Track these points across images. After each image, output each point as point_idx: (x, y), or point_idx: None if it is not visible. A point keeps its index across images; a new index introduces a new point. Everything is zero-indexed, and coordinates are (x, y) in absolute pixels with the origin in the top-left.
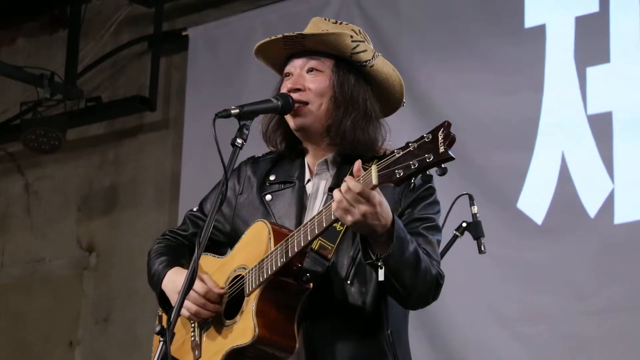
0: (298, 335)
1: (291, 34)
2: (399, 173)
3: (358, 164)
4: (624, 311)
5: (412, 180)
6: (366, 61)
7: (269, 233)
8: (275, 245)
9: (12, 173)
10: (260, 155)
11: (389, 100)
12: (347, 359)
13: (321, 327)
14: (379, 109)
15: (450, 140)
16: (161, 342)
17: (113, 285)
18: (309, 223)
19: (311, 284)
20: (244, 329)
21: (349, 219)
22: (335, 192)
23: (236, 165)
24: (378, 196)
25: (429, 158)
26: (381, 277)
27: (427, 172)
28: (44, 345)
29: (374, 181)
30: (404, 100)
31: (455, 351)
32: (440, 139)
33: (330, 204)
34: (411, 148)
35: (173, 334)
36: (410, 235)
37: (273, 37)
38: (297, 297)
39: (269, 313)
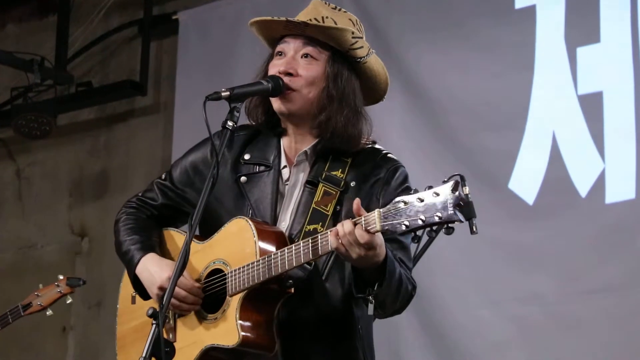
0: (277, 336)
1: (295, 20)
2: (405, 225)
3: (357, 203)
4: (616, 291)
5: (418, 234)
6: (361, 58)
7: (254, 235)
8: (261, 251)
9: (3, 159)
10: (235, 129)
11: (371, 94)
12: (321, 357)
13: (297, 327)
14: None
15: (460, 202)
16: (154, 325)
17: (105, 270)
18: (302, 245)
19: (292, 289)
20: (227, 330)
21: (347, 256)
22: (339, 228)
23: (217, 141)
24: (378, 240)
25: (438, 216)
26: (371, 312)
27: (434, 228)
28: (36, 332)
29: (377, 228)
30: (385, 98)
31: (447, 332)
32: (450, 197)
33: (327, 232)
34: (418, 199)
35: (165, 317)
36: (396, 261)
37: (275, 18)
38: (277, 299)
39: (251, 316)
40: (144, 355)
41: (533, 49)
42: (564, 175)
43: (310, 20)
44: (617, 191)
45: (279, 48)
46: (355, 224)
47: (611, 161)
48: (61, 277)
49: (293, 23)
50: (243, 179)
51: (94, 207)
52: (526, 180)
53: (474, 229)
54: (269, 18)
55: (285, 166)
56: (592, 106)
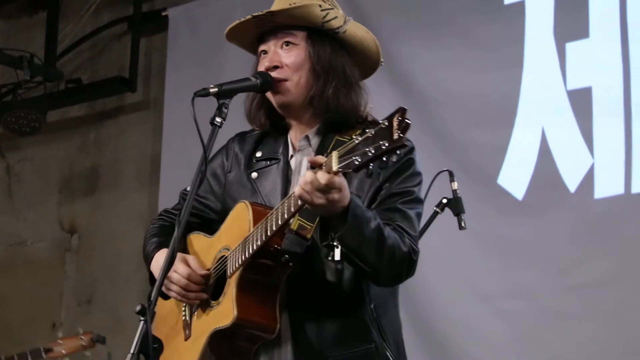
0: (282, 315)
1: (260, 13)
2: (357, 160)
3: (311, 159)
4: (605, 286)
5: (370, 167)
6: (338, 28)
7: (249, 214)
8: (254, 227)
9: None
10: (248, 131)
11: (365, 62)
12: (331, 336)
13: (304, 306)
14: (358, 72)
15: (404, 127)
16: (142, 322)
17: (95, 266)
18: (279, 207)
19: (291, 264)
20: (225, 311)
21: (312, 203)
22: (301, 179)
23: (223, 142)
24: (339, 180)
25: (384, 145)
26: (337, 257)
27: (384, 159)
28: (26, 328)
29: (334, 168)
30: (382, 60)
31: (436, 327)
32: (395, 125)
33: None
34: (369, 134)
35: (154, 313)
36: (372, 213)
37: (243, 19)
38: (278, 277)
39: (249, 295)
40: (131, 351)
41: (522, 45)
42: (553, 170)
43: (281, 9)
44: (606, 186)
45: (260, 48)
46: (315, 171)
47: (600, 156)
48: (82, 331)
49: (260, 17)
50: (254, 175)
51: (83, 203)
52: (515, 175)
53: (463, 225)
54: (237, 21)
55: (292, 156)
56: (581, 101)
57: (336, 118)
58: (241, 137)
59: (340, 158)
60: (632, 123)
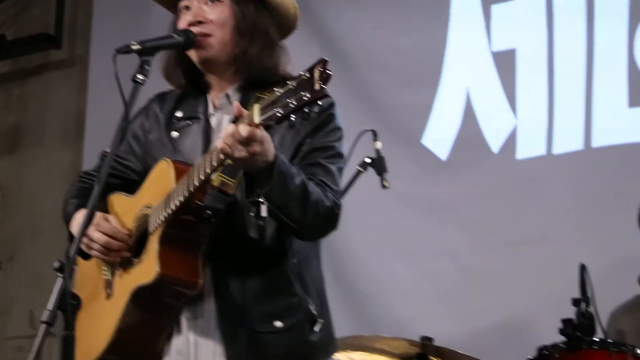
0: (204, 272)
1: None
2: (279, 112)
3: (237, 106)
4: (526, 244)
5: (292, 118)
6: None
7: (171, 171)
8: (176, 184)
9: None
10: (167, 91)
11: (283, 24)
12: (254, 291)
13: (227, 262)
14: (277, 33)
15: (325, 78)
16: (60, 278)
17: (18, 224)
18: (201, 162)
19: (213, 220)
20: (147, 267)
21: (233, 157)
22: (224, 132)
23: (143, 102)
24: (260, 133)
25: (306, 96)
26: (264, 213)
27: (306, 110)
28: None
29: (256, 120)
30: (297, 24)
31: (359, 285)
32: (316, 76)
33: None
34: (290, 86)
35: (72, 270)
36: (296, 168)
37: None
38: (200, 234)
39: (171, 251)
40: (50, 308)
41: (448, 5)
42: (477, 131)
43: None
44: (529, 147)
45: (182, 4)
46: (236, 124)
47: (523, 118)
48: None
49: None
50: (174, 134)
51: (6, 161)
52: (439, 136)
53: (385, 184)
54: None
55: (212, 114)
56: (505, 63)
57: (257, 77)
58: (161, 97)
59: (262, 110)
60: (554, 86)
